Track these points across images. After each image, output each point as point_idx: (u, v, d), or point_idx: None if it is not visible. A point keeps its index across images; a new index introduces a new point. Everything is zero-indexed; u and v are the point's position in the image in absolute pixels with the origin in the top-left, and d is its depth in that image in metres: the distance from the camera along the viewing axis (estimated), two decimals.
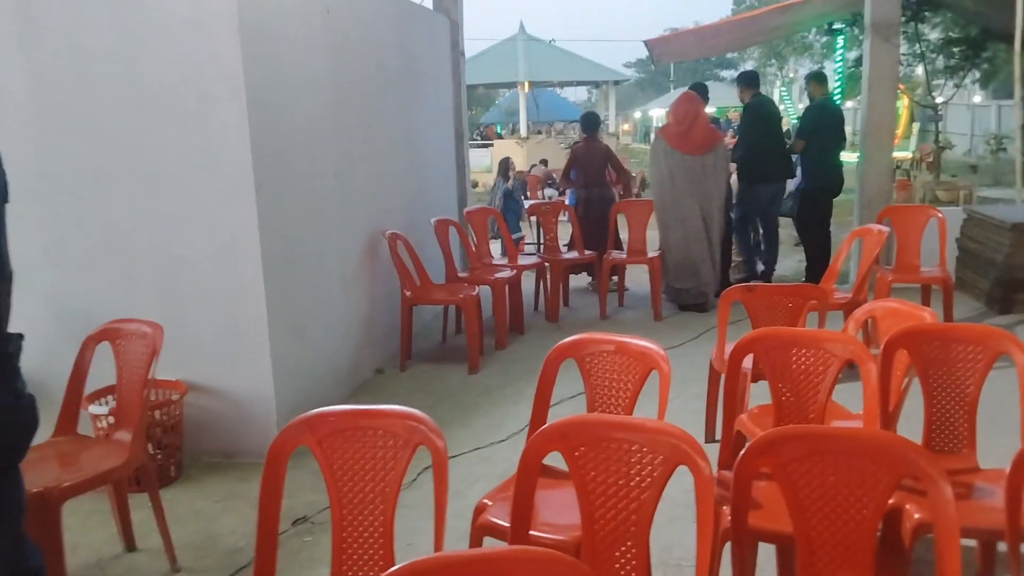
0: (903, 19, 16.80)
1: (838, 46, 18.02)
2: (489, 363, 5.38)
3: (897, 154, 21.38)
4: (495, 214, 6.60)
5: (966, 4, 14.71)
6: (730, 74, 47.96)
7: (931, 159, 18.71)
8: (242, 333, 3.82)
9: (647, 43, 12.51)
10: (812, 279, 7.06)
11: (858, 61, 18.43)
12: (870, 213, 6.91)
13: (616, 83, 23.89)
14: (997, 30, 11.87)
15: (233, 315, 3.81)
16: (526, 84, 22.07)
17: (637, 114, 44.31)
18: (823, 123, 6.94)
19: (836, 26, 17.75)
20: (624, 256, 6.62)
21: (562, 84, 24.44)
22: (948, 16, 16.40)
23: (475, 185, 19.57)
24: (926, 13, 16.53)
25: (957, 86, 17.66)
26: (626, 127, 46.60)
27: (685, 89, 6.87)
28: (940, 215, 5.61)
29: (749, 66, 44.59)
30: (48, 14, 3.65)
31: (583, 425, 1.90)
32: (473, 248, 6.26)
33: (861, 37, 17.94)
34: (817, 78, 7.21)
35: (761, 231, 7.32)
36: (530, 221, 7.03)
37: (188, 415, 3.88)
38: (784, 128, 10.80)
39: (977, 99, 25.41)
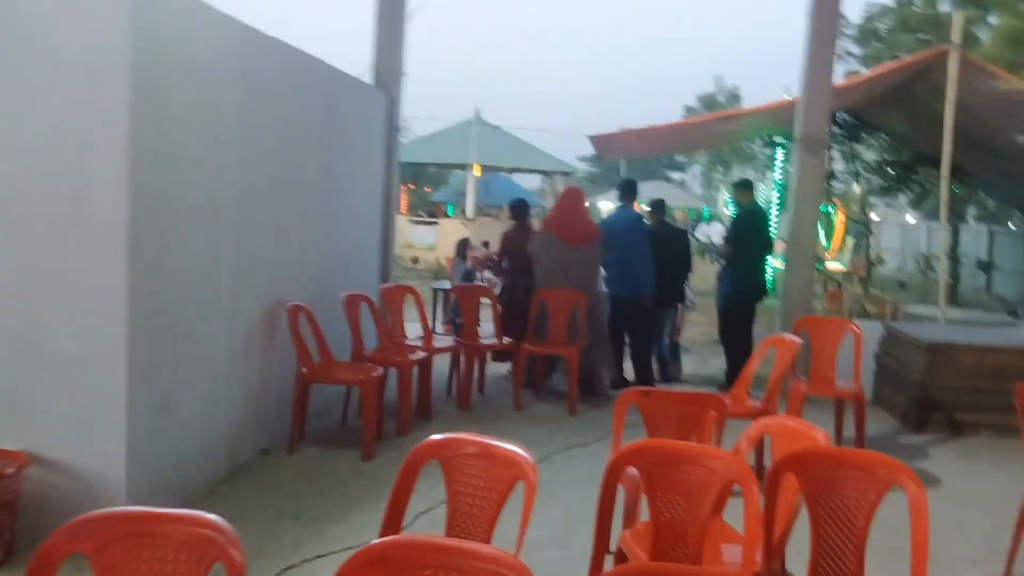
0: (842, 138, 17.61)
1: (777, 159, 18.64)
2: (387, 451, 5.05)
3: (832, 266, 22.12)
4: (411, 291, 6.35)
5: (900, 129, 15.38)
6: (679, 175, 49.46)
7: (863, 273, 19.27)
8: (97, 402, 3.47)
9: (592, 138, 12.69)
10: (731, 384, 6.95)
11: None
12: (790, 322, 6.88)
13: (565, 174, 24.23)
14: (928, 156, 12.32)
15: (89, 381, 3.46)
16: (475, 166, 22.26)
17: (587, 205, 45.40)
18: (750, 229, 6.96)
19: (776, 140, 18.43)
20: (543, 346, 6.42)
21: (511, 170, 24.72)
22: (883, 139, 17.14)
23: (415, 261, 19.49)
24: (863, 134, 17.27)
25: (888, 205, 18.30)
26: None
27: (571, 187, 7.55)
28: (856, 329, 5.56)
29: (696, 171, 46.15)
30: None
31: (405, 548, 1.64)
32: (386, 325, 6.00)
33: None
34: (744, 185, 7.28)
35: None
36: (450, 302, 6.85)
37: (28, 490, 3.47)
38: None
39: (910, 219, 26.44)
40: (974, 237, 21.02)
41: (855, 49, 18.34)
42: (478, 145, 22.20)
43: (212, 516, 1.71)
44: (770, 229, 7.38)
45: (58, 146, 3.39)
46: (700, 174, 46.98)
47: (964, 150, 13.08)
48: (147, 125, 3.50)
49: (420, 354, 5.67)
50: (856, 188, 18.74)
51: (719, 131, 11.88)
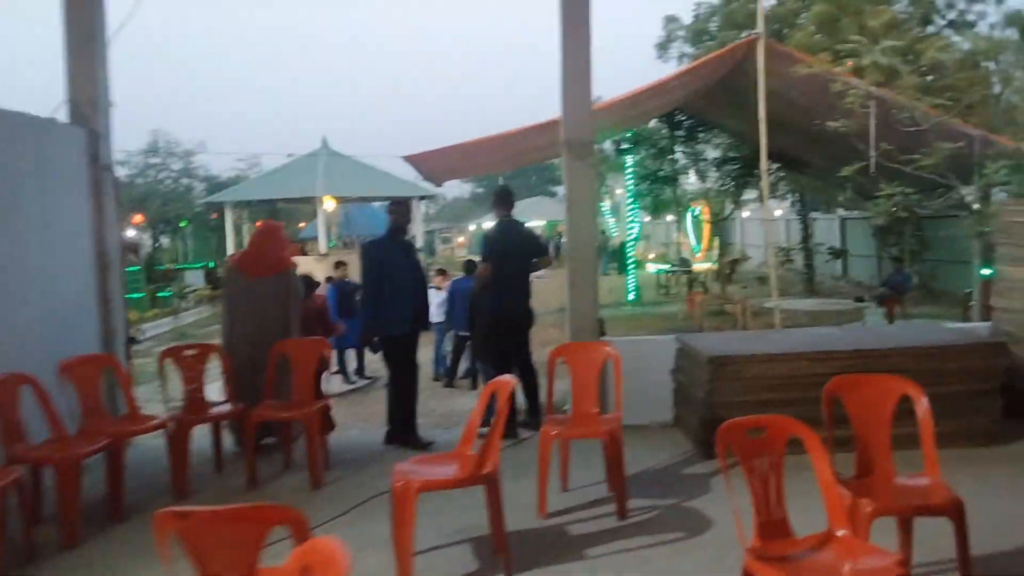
0: (681, 139, 17.37)
1: (627, 164, 18.29)
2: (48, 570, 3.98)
3: (702, 267, 22.00)
4: (110, 361, 5.28)
5: (735, 126, 15.19)
6: (561, 190, 49.48)
7: (728, 271, 19.11)
8: None
9: (408, 159, 11.85)
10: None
11: (648, 176, 18.85)
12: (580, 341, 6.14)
13: (422, 198, 23.38)
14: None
15: None
16: (327, 198, 21.17)
17: (472, 227, 44.64)
18: (507, 245, 6.27)
19: (624, 146, 18.07)
20: (279, 409, 5.43)
21: (363, 199, 23.70)
22: (724, 137, 17.00)
23: None
24: (701, 134, 17.10)
25: (735, 202, 18.18)
26: (461, 240, 46.79)
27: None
28: (613, 353, 4.82)
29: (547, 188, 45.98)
30: None
31: None
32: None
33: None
34: (500, 197, 6.52)
35: None
36: (161, 368, 5.83)
37: None
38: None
39: (779, 212, 26.74)
40: (828, 225, 21.24)
41: (689, 49, 18.22)
42: (325, 176, 21.14)
43: None
44: (533, 244, 6.63)
45: None
46: None
47: (788, 138, 12.92)
48: None
49: (97, 443, 4.61)
50: (707, 187, 18.59)
51: (540, 142, 11.21)
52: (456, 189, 61.77)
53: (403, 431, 6.10)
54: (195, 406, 5.46)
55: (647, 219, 27.91)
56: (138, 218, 27.83)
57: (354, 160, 22.77)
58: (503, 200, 6.46)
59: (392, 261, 6.04)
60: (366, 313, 6.11)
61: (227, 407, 5.47)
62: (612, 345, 5.00)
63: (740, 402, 5.36)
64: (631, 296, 18.22)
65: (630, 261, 19.53)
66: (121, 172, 33.58)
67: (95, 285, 6.12)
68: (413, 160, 11.93)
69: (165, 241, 31.31)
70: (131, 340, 6.59)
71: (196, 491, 5.18)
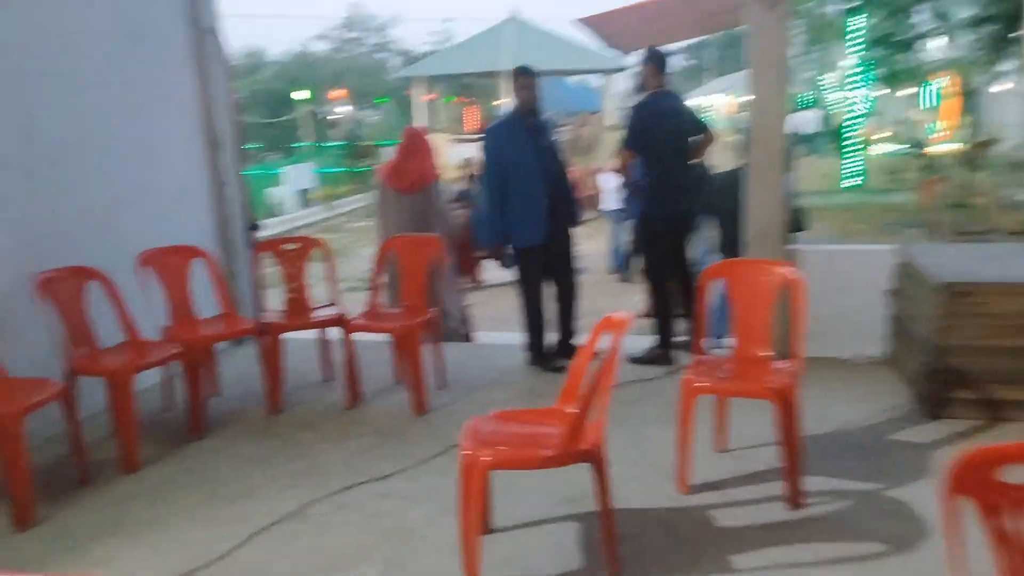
0: None
1: (851, 27, 15.43)
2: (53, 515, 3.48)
3: (943, 148, 18.69)
4: (196, 252, 4.61)
5: None
6: None
7: (976, 155, 15.98)
8: None
9: (583, 22, 10.41)
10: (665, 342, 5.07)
11: (881, 41, 15.86)
12: (760, 252, 4.78)
13: (616, 71, 21.56)
14: None
15: None
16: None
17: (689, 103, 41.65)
18: (655, 126, 4.87)
19: (852, 4, 15.21)
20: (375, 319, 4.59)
21: (555, 73, 22.17)
22: None
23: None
24: None
25: (988, 72, 14.91)
26: None
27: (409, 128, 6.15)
28: (794, 276, 3.44)
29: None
30: None
31: None
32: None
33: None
34: (652, 60, 5.02)
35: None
36: (256, 264, 5.22)
37: None
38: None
39: None
40: None
41: None
42: (514, 49, 19.90)
43: None
44: (691, 120, 5.16)
45: None
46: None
47: None
48: None
49: (165, 352, 4.01)
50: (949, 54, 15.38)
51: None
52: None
53: (541, 351, 5.12)
54: (295, 309, 4.75)
55: (877, 93, 24.25)
56: (342, 92, 28.24)
57: (544, 31, 21.30)
58: (655, 64, 5.01)
59: (518, 150, 4.86)
60: (489, 219, 5.02)
61: (331, 311, 4.71)
62: (794, 265, 3.62)
63: (983, 348, 3.87)
64: (852, 182, 15.83)
65: (852, 141, 16.89)
66: (319, 47, 34.18)
67: (204, 165, 5.52)
68: (591, 22, 10.47)
69: (367, 115, 31.79)
70: (252, 227, 6.00)
71: (292, 405, 4.54)
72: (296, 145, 26.09)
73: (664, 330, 5.06)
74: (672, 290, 5.14)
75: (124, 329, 4.11)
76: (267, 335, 4.46)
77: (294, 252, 4.86)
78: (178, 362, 4.11)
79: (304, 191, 18.25)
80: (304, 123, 26.27)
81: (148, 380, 4.37)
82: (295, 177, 18.45)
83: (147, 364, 3.89)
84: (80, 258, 4.10)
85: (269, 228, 14.60)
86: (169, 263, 4.49)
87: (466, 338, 6.09)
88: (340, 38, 29.75)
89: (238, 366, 5.13)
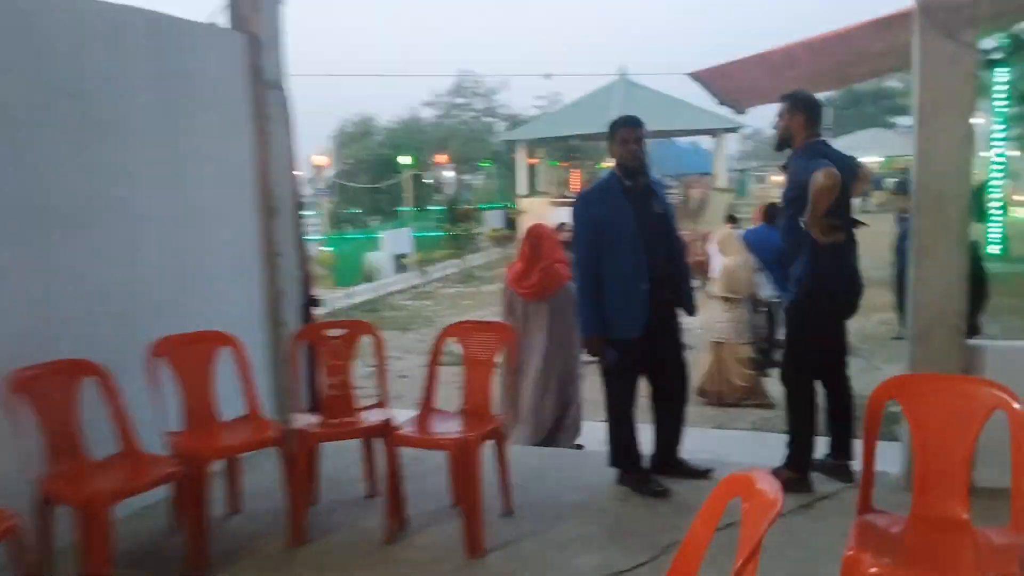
0: None
1: (997, 81, 13.89)
2: None
3: None
4: (224, 340, 3.87)
5: None
6: (903, 121, 42.08)
7: None
8: None
9: (695, 76, 9.51)
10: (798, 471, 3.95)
11: None
12: (925, 353, 3.66)
13: (728, 131, 20.48)
14: None
15: None
16: None
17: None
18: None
19: (994, 56, 13.70)
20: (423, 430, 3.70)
21: (664, 134, 21.22)
22: None
23: None
24: None
25: None
26: (780, 179, 41.91)
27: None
28: (1005, 398, 2.34)
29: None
30: None
31: None
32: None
33: None
34: (803, 107, 3.98)
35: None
36: (292, 355, 4.36)
37: None
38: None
39: None
40: None
41: None
42: (621, 110, 19.20)
43: None
44: (856, 177, 4.11)
45: None
46: None
47: None
48: None
49: (156, 472, 3.22)
50: None
51: (878, 47, 8.19)
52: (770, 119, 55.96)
53: (636, 468, 4.10)
54: (335, 409, 3.92)
55: (1013, 153, 22.08)
56: (443, 158, 28.23)
57: (653, 91, 20.53)
58: (810, 112, 3.98)
59: (616, 219, 3.92)
60: (580, 305, 4.09)
61: (377, 415, 3.84)
62: (1002, 386, 2.49)
63: None
64: (992, 249, 14.07)
65: (993, 205, 15.10)
66: (427, 112, 34.14)
67: (257, 233, 4.86)
68: (704, 77, 9.56)
69: (472, 180, 31.69)
70: (311, 302, 5.28)
71: (321, 533, 3.67)
72: (399, 209, 26.11)
73: (802, 449, 3.94)
74: (815, 392, 4.01)
75: (120, 438, 3.38)
76: (293, 445, 3.63)
77: (339, 340, 4.05)
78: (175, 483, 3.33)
79: (400, 256, 17.87)
80: (407, 187, 26.32)
81: (154, 495, 3.60)
82: (393, 241, 18.14)
83: (131, 489, 3.11)
84: (92, 350, 3.43)
85: (359, 295, 14.12)
86: (189, 353, 3.76)
87: (575, 445, 5.23)
88: (448, 103, 29.97)
89: (269, 472, 4.32)
